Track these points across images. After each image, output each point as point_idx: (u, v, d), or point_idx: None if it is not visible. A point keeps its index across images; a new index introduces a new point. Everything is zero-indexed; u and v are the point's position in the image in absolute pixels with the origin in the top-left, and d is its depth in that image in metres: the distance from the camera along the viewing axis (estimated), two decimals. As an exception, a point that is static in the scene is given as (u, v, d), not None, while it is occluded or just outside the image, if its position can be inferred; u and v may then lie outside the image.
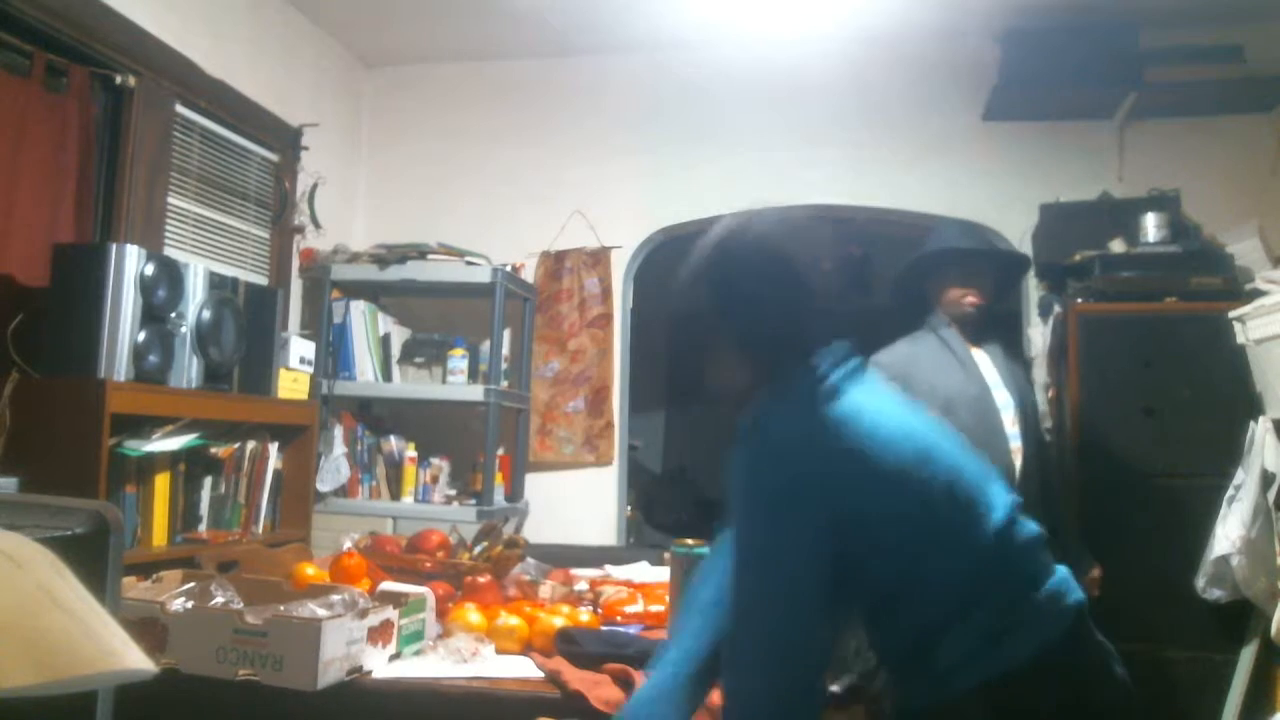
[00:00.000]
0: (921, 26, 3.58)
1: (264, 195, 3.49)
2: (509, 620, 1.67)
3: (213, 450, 2.68)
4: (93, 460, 2.18)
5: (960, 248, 2.51)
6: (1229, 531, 2.74)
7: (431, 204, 4.03)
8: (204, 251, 3.16)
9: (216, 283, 2.64)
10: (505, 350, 3.65)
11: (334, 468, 3.39)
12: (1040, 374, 3.29)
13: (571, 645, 1.58)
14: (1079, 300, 3.15)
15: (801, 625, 1.21)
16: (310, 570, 1.90)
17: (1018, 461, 2.43)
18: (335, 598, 1.52)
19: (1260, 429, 2.77)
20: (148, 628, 1.41)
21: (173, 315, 2.46)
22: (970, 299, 2.46)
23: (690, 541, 1.73)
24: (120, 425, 2.31)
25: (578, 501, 3.84)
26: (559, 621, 1.67)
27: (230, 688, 1.37)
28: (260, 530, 2.82)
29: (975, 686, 1.22)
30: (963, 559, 1.26)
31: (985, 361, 2.52)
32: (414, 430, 3.69)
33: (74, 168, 2.57)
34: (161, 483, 2.52)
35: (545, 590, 1.97)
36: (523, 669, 1.55)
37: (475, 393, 3.46)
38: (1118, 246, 3.20)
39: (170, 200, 2.97)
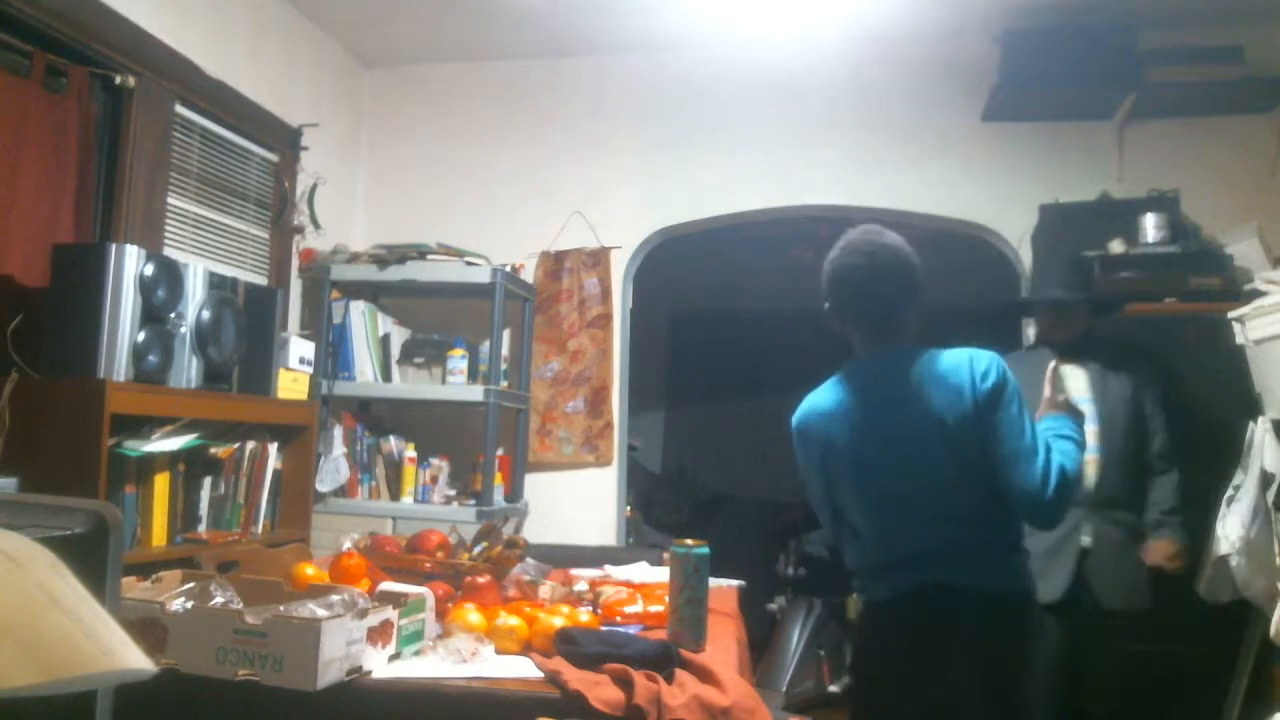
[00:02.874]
0: (921, 27, 3.59)
1: (264, 195, 3.49)
2: (509, 620, 1.67)
3: (212, 450, 2.68)
4: (92, 460, 2.18)
5: (1049, 299, 2.85)
6: (1228, 532, 2.74)
7: (431, 204, 4.03)
8: (204, 251, 3.16)
9: (216, 283, 2.64)
10: (505, 350, 3.65)
11: (334, 468, 3.39)
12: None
13: (571, 645, 1.58)
14: (1078, 300, 3.15)
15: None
16: (310, 570, 1.90)
17: (1092, 471, 2.65)
18: (335, 598, 1.52)
19: (1260, 429, 2.77)
20: (148, 628, 1.41)
21: (172, 315, 2.46)
22: (1057, 335, 2.82)
23: (690, 541, 1.72)
24: (120, 425, 2.31)
25: (577, 502, 3.84)
26: (559, 621, 1.67)
27: (230, 688, 1.37)
28: (260, 530, 2.82)
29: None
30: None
31: (1076, 377, 2.71)
32: (414, 430, 3.69)
33: (74, 168, 2.57)
34: (161, 483, 2.52)
35: (545, 590, 1.97)
36: (523, 669, 1.55)
37: (475, 393, 3.46)
38: (1117, 247, 3.20)
39: (170, 200, 2.97)
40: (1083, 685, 2.71)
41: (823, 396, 1.94)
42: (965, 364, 1.81)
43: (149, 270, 2.37)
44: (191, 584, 1.58)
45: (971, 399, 1.77)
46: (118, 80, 2.74)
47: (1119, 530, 2.68)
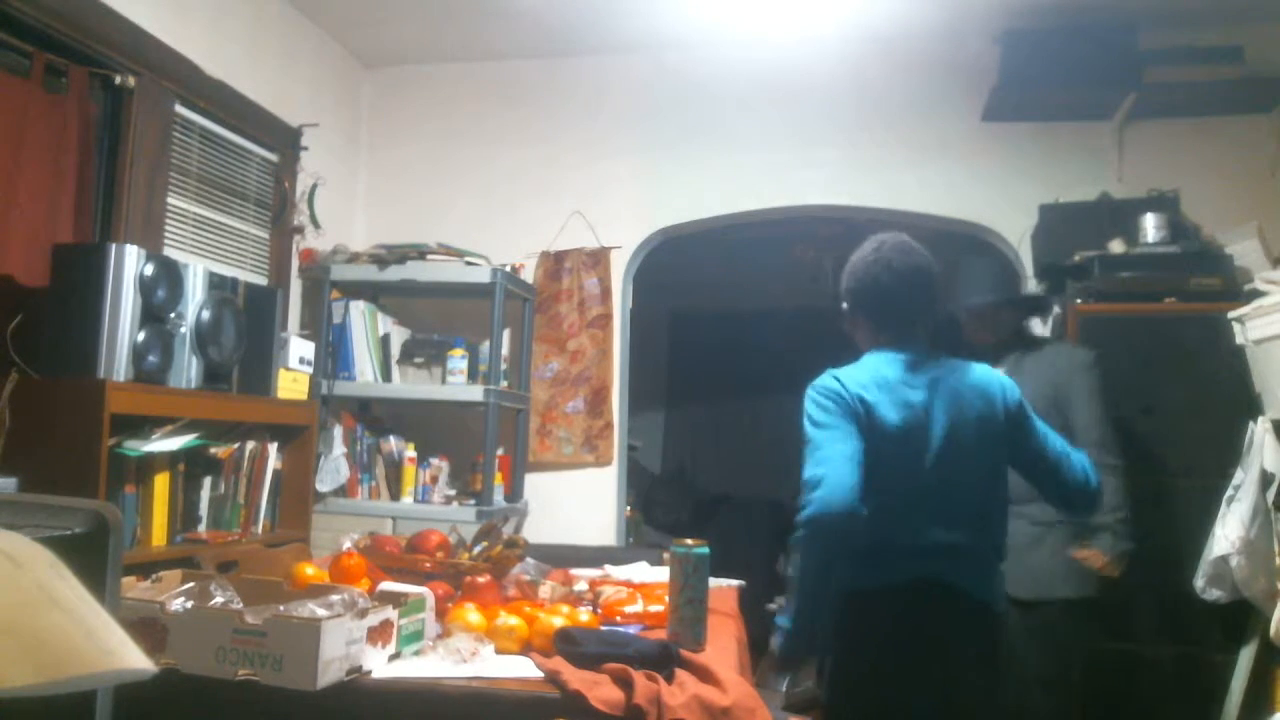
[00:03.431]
0: (921, 27, 3.59)
1: (264, 195, 3.49)
2: (509, 620, 1.67)
3: (212, 450, 2.68)
4: (92, 460, 2.18)
5: (969, 304, 2.87)
6: (1228, 532, 2.74)
7: (431, 204, 4.03)
8: (204, 251, 3.16)
9: (216, 283, 2.64)
10: (505, 350, 3.65)
11: (333, 468, 3.39)
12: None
13: (571, 645, 1.58)
14: (1078, 301, 3.15)
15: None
16: (310, 570, 1.90)
17: None
18: (335, 598, 1.52)
19: (1259, 429, 2.77)
20: (148, 628, 1.41)
21: (172, 315, 2.46)
22: (980, 338, 2.88)
23: (690, 541, 1.73)
24: (120, 425, 2.31)
25: (577, 501, 3.84)
26: (559, 621, 1.67)
27: (230, 688, 1.37)
28: (260, 530, 2.82)
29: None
30: None
31: None
32: (414, 430, 3.69)
33: (74, 168, 2.57)
34: (161, 483, 2.52)
35: (545, 590, 1.97)
36: (522, 669, 1.55)
37: (475, 393, 3.46)
38: (1117, 247, 3.20)
39: (170, 200, 2.97)
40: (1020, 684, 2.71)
41: (862, 373, 1.91)
42: (993, 377, 1.95)
43: (149, 270, 2.37)
44: (191, 584, 1.58)
45: (1003, 411, 1.91)
46: (118, 80, 2.74)
47: (1023, 523, 2.55)
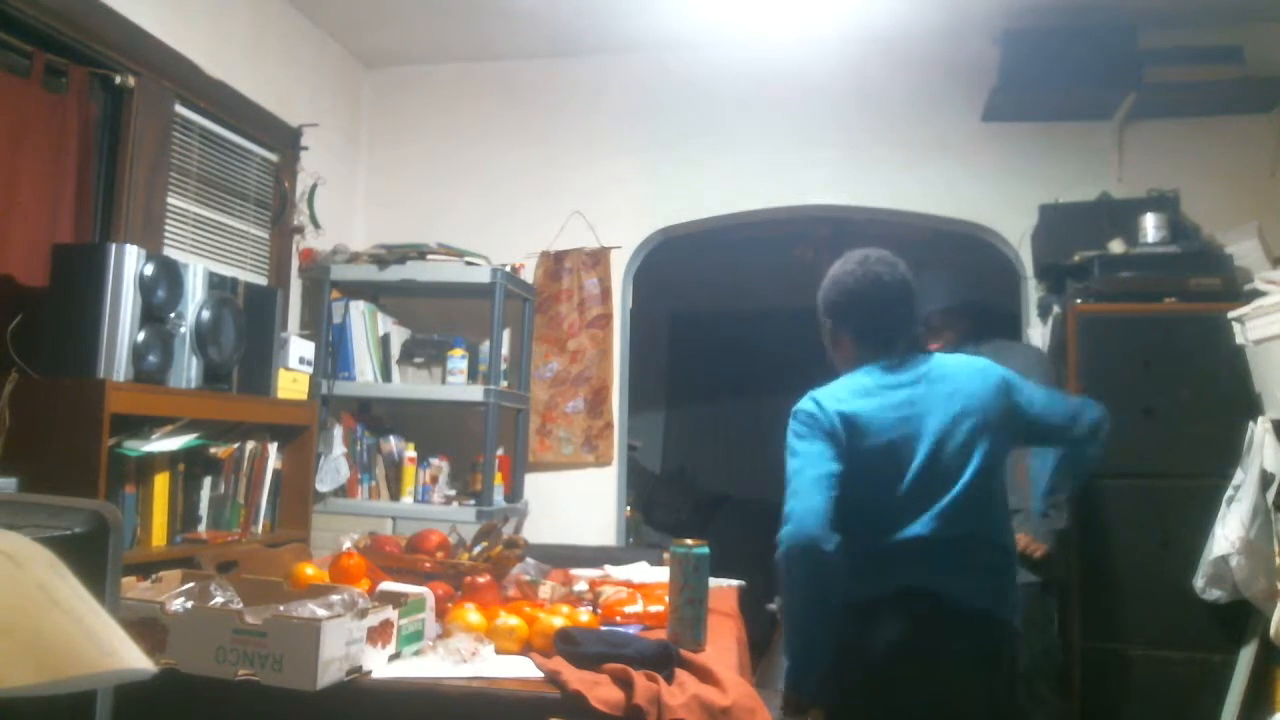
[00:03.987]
0: (921, 27, 3.59)
1: (264, 195, 3.49)
2: (509, 620, 1.67)
3: (212, 450, 2.68)
4: (92, 460, 2.18)
5: (932, 310, 2.97)
6: (1228, 532, 2.74)
7: (431, 204, 4.03)
8: (204, 251, 3.16)
9: (216, 283, 2.64)
10: (505, 350, 3.65)
11: (333, 468, 3.39)
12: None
13: (571, 645, 1.58)
14: (1078, 301, 3.15)
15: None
16: (310, 570, 1.90)
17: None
18: (335, 598, 1.52)
19: (1259, 429, 2.77)
20: (147, 628, 1.41)
21: (172, 315, 2.46)
22: (936, 345, 2.92)
23: (690, 541, 1.73)
24: (120, 425, 2.31)
25: (577, 502, 3.84)
26: (559, 621, 1.67)
27: (230, 688, 1.37)
28: (260, 530, 2.82)
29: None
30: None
31: None
32: (413, 430, 3.69)
33: (74, 168, 2.57)
34: (161, 483, 2.52)
35: (545, 590, 1.97)
36: (522, 669, 1.55)
37: (475, 393, 3.46)
38: (1117, 247, 3.20)
39: (170, 200, 2.97)
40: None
41: (841, 388, 1.91)
42: (973, 363, 1.97)
43: (149, 270, 2.37)
44: (191, 584, 1.58)
45: (992, 390, 1.92)
46: (118, 80, 2.74)
47: None
